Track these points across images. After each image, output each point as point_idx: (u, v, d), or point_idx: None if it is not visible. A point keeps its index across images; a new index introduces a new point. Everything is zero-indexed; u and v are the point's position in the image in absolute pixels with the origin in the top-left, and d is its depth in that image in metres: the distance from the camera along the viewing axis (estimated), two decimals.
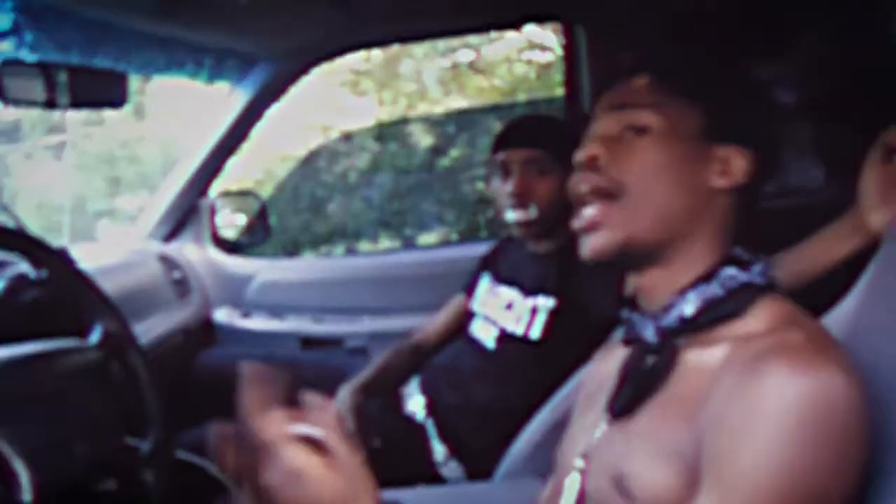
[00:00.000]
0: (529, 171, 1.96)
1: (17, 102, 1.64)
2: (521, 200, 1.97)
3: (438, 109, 6.18)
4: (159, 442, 1.37)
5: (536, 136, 2.01)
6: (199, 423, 1.87)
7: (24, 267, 1.49)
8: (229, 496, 1.78)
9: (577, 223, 1.08)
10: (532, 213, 1.97)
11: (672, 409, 1.00)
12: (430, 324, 2.32)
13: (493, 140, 2.06)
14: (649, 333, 1.07)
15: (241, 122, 2.65)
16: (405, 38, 2.98)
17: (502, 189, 1.99)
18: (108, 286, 1.58)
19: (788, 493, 0.85)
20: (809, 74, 2.38)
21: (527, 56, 6.00)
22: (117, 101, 1.86)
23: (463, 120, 5.96)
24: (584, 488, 1.13)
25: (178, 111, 5.82)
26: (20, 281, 1.49)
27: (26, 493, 1.09)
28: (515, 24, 3.11)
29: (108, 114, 5.81)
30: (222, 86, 2.64)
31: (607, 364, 1.22)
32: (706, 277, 1.04)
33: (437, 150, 5.75)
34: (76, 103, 1.82)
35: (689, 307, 1.03)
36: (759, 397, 0.88)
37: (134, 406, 1.40)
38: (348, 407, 2.03)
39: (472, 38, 5.84)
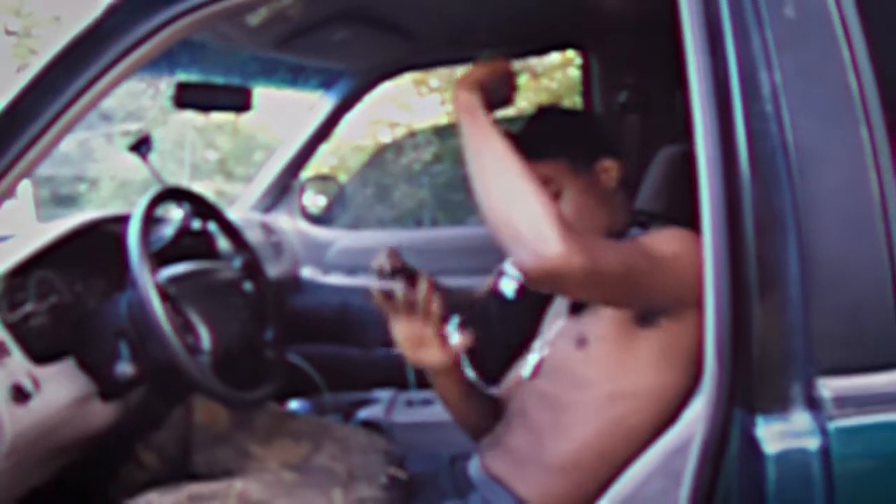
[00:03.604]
0: None
1: (182, 108, 2.32)
2: None
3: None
4: (276, 333, 2.06)
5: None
6: None
7: (179, 220, 2.13)
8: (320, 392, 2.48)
9: None
10: None
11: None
12: (482, 283, 2.87)
13: None
14: None
15: (327, 123, 3.29)
16: (455, 62, 3.50)
17: None
18: None
19: (670, 259, 1.40)
20: None
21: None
22: (244, 107, 2.50)
23: (518, 121, 6.45)
24: (542, 360, 1.71)
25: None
26: (183, 230, 2.11)
27: (206, 342, 1.79)
28: (543, 51, 3.64)
29: None
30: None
31: (561, 302, 1.82)
32: (620, 235, 1.61)
33: None
34: (217, 108, 2.52)
35: None
36: (658, 233, 1.49)
37: (260, 310, 2.07)
38: None
39: None
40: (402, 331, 1.75)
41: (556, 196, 1.65)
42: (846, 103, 1.16)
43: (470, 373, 2.53)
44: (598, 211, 1.66)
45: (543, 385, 1.67)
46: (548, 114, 1.81)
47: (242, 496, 1.65)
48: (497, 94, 1.53)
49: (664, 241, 1.45)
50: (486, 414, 1.88)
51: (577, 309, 1.67)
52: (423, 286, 1.73)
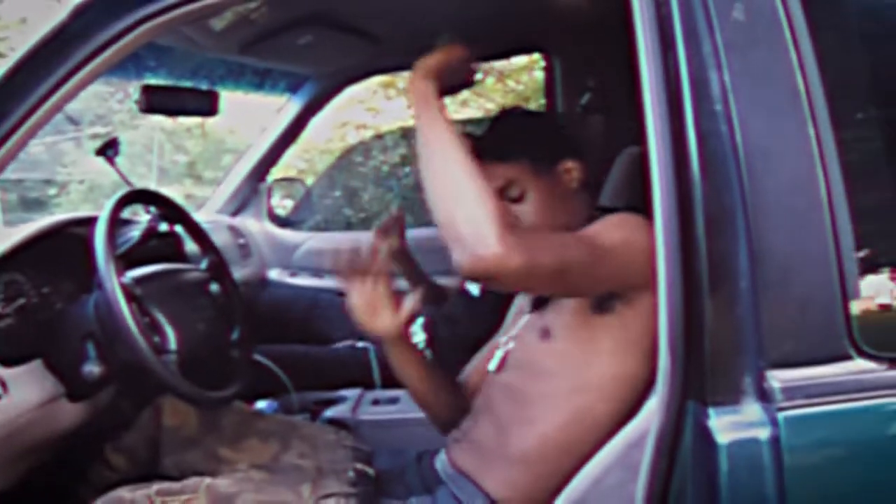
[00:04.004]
0: None
1: (149, 112, 2.32)
2: None
3: (462, 113, 6.76)
4: (242, 333, 2.07)
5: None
6: None
7: (146, 222, 2.13)
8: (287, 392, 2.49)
9: None
10: None
11: None
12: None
13: None
14: None
15: (293, 126, 3.31)
16: None
17: None
18: None
19: (615, 247, 1.43)
20: None
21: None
22: (211, 111, 2.48)
23: (483, 124, 6.51)
24: (508, 353, 1.74)
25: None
26: (149, 232, 2.11)
27: (172, 342, 1.80)
28: (507, 54, 3.70)
29: None
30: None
31: (525, 297, 1.86)
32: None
33: None
34: (184, 112, 2.53)
35: None
36: (606, 219, 1.51)
37: (226, 310, 2.07)
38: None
39: None
40: (357, 296, 1.80)
41: (519, 197, 1.68)
42: (794, 103, 1.20)
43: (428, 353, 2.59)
44: (560, 211, 1.69)
45: (509, 378, 1.71)
46: (510, 116, 1.84)
47: (211, 489, 1.67)
48: (454, 78, 1.56)
49: (610, 228, 1.48)
50: (449, 398, 1.91)
51: (540, 303, 1.71)
52: (369, 247, 1.80)
